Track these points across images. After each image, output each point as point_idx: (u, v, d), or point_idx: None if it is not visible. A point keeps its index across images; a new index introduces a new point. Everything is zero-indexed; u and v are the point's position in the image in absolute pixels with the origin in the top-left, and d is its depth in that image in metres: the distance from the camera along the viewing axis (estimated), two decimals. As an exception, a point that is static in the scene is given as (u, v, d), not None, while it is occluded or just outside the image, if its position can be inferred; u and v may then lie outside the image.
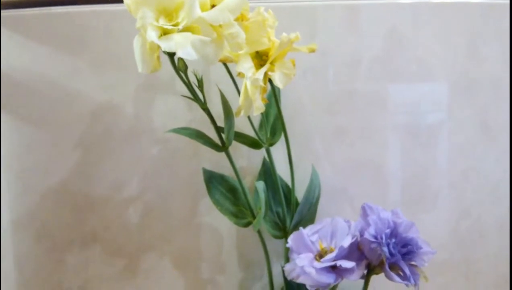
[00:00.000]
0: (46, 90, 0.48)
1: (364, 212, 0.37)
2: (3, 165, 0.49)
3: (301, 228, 0.38)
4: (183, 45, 0.32)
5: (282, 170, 0.46)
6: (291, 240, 0.38)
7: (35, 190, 0.49)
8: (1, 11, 0.48)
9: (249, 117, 0.43)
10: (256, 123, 0.46)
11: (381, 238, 0.34)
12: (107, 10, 0.47)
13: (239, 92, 0.41)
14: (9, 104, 0.48)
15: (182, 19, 0.33)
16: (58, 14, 0.47)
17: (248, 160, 0.48)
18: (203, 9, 0.34)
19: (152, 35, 0.32)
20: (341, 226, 0.37)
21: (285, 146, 0.43)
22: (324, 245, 0.37)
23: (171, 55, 0.35)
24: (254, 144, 0.44)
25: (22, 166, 0.49)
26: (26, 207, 0.49)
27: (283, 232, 0.45)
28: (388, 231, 0.35)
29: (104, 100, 0.47)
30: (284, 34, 0.36)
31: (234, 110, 0.40)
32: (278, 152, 0.45)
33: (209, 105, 0.40)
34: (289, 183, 0.45)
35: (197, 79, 0.40)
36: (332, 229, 0.37)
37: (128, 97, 0.47)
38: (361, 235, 0.36)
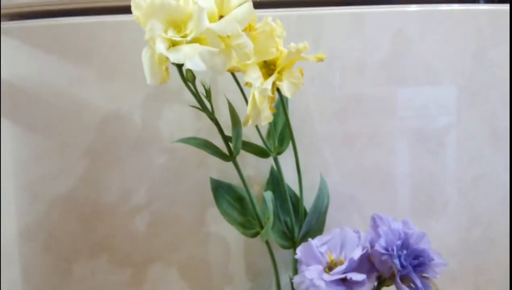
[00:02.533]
0: (54, 100, 0.48)
1: (374, 222, 0.37)
2: (11, 175, 0.49)
3: (310, 239, 0.38)
4: (191, 57, 0.32)
5: (290, 178, 0.46)
6: (299, 251, 0.38)
7: (43, 199, 0.49)
8: (11, 22, 0.49)
9: (256, 126, 0.43)
10: (264, 132, 0.46)
11: (392, 250, 0.34)
12: (114, 21, 0.47)
13: (246, 101, 0.41)
14: (18, 114, 0.49)
15: (191, 30, 0.32)
16: (67, 25, 0.48)
17: (256, 169, 0.48)
18: (211, 20, 0.34)
19: (161, 47, 0.32)
20: (351, 237, 0.37)
21: (293, 154, 0.43)
22: (334, 256, 0.37)
23: (180, 66, 0.35)
24: (261, 153, 0.44)
25: (30, 176, 0.49)
26: (33, 216, 0.49)
27: (291, 242, 0.44)
28: (399, 242, 0.34)
29: (112, 110, 0.47)
30: (292, 44, 0.36)
31: (241, 118, 0.40)
32: (286, 160, 0.44)
33: (216, 114, 0.40)
34: (297, 192, 0.45)
35: (205, 89, 0.40)
36: (341, 240, 0.37)
37: (135, 106, 0.47)
38: (372, 246, 0.35)
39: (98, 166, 0.48)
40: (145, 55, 0.33)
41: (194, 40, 0.33)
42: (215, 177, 0.46)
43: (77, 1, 0.48)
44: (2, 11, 0.49)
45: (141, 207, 0.48)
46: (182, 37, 0.33)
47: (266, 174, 0.48)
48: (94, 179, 0.48)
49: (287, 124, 0.42)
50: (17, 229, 0.49)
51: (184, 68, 0.35)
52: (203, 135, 0.44)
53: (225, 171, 0.47)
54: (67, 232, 0.49)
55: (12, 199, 0.49)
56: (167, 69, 0.34)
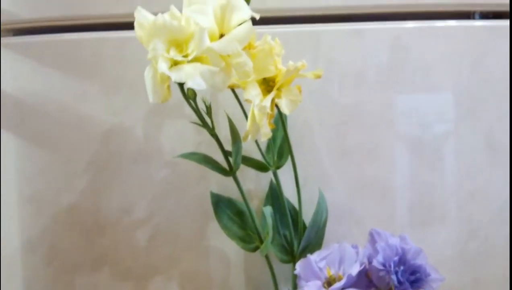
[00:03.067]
0: (57, 114, 0.49)
1: (372, 238, 0.37)
2: (14, 187, 0.50)
3: (309, 255, 0.38)
4: (192, 76, 0.33)
5: (289, 192, 0.46)
6: (299, 267, 0.38)
7: (46, 212, 0.49)
8: (15, 36, 0.49)
9: (256, 140, 0.44)
10: (263, 146, 0.46)
11: (390, 265, 0.34)
12: (117, 37, 0.48)
13: (246, 116, 0.41)
14: (21, 127, 0.49)
15: (192, 50, 0.33)
16: (70, 41, 0.48)
17: (255, 183, 0.49)
18: (211, 38, 0.34)
19: (163, 66, 0.32)
20: (349, 252, 0.38)
21: (291, 168, 0.43)
22: (332, 272, 0.37)
23: (181, 84, 0.36)
24: (261, 167, 0.45)
25: (33, 189, 0.50)
26: (36, 229, 0.50)
27: (290, 256, 0.45)
28: (396, 258, 0.35)
29: (114, 124, 0.48)
30: (291, 63, 0.37)
31: (241, 132, 0.40)
32: (285, 174, 0.45)
33: (217, 128, 0.41)
34: (296, 205, 0.45)
35: (206, 106, 0.41)
36: (340, 256, 0.38)
37: (137, 120, 0.48)
38: (370, 262, 0.36)
39: (100, 179, 0.49)
40: (147, 74, 0.34)
41: (195, 59, 0.34)
42: (216, 190, 0.47)
43: (80, 18, 0.49)
44: (6, 26, 0.49)
45: (142, 221, 0.49)
46: (184, 56, 0.33)
47: (265, 188, 0.48)
48: (96, 193, 0.49)
49: (286, 138, 0.42)
50: (19, 241, 0.50)
51: (185, 87, 0.36)
52: (203, 149, 0.44)
53: (225, 185, 0.47)
54: (69, 245, 0.49)
55: (15, 212, 0.50)
56: (168, 87, 0.35)
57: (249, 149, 0.45)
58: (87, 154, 0.49)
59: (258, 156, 0.45)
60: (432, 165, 0.50)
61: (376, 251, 0.36)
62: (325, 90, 0.48)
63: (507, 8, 0.50)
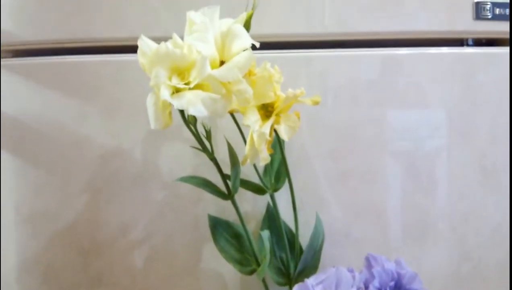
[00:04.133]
0: (56, 135, 0.49)
1: (368, 263, 0.38)
2: (12, 208, 0.50)
3: (306, 279, 0.38)
4: (194, 103, 0.33)
5: (286, 215, 0.46)
6: (296, 291, 0.38)
7: (42, 233, 0.49)
8: (16, 58, 0.50)
9: (254, 164, 0.44)
10: (261, 169, 0.47)
11: (386, 291, 0.35)
12: (117, 60, 0.49)
13: (245, 140, 0.42)
14: (20, 148, 0.50)
15: (194, 78, 0.34)
16: (70, 63, 0.49)
17: (253, 205, 0.49)
18: (212, 65, 0.35)
19: (165, 94, 0.33)
20: (345, 276, 0.38)
21: (289, 191, 0.44)
22: (329, 296, 0.38)
23: (182, 110, 0.36)
24: (258, 190, 0.45)
25: (31, 209, 0.50)
26: (33, 250, 0.50)
27: (287, 279, 0.45)
28: (392, 283, 0.35)
29: (113, 146, 0.49)
30: (290, 90, 0.38)
31: (239, 155, 0.41)
32: (282, 197, 0.46)
33: (215, 151, 0.41)
34: (293, 228, 0.46)
35: (206, 131, 0.42)
36: (336, 280, 0.38)
37: (136, 142, 0.49)
38: (366, 287, 0.36)
39: (98, 200, 0.49)
40: (149, 101, 0.34)
41: (196, 86, 0.34)
42: (213, 212, 0.47)
43: (81, 40, 0.50)
44: (6, 47, 0.50)
45: (139, 242, 0.49)
46: (186, 84, 0.34)
47: (262, 210, 0.49)
48: (93, 214, 0.49)
49: (283, 162, 0.43)
50: (16, 262, 0.50)
51: (186, 113, 0.36)
52: (201, 171, 0.45)
53: (222, 206, 0.48)
54: (66, 265, 0.49)
55: (12, 232, 0.50)
56: (170, 113, 0.35)
57: (247, 171, 0.46)
58: (85, 175, 0.49)
59: (255, 179, 0.45)
60: (425, 187, 0.51)
61: (372, 276, 0.36)
62: (319, 114, 0.49)
63: (500, 36, 0.51)
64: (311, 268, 0.44)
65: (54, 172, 0.49)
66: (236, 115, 0.43)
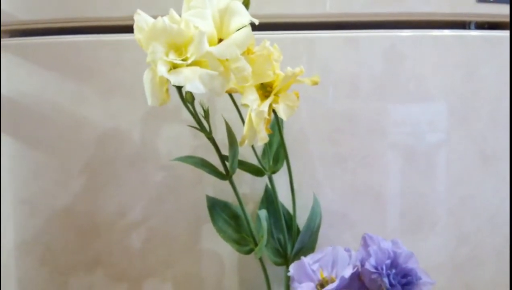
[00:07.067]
0: (54, 116, 0.49)
1: (365, 242, 0.38)
2: (10, 189, 0.50)
3: (302, 257, 0.39)
4: (191, 79, 0.33)
5: (284, 197, 0.47)
6: (292, 269, 0.38)
7: (41, 214, 0.49)
8: (12, 38, 0.50)
9: (252, 145, 0.44)
10: (259, 151, 0.47)
11: (382, 268, 0.35)
12: (115, 40, 0.48)
13: (243, 120, 0.42)
14: (17, 129, 0.49)
15: (191, 54, 0.33)
16: (68, 43, 0.49)
17: (251, 187, 0.49)
18: (210, 43, 0.35)
19: (162, 69, 0.33)
20: (342, 255, 0.38)
21: (287, 173, 0.44)
22: (325, 274, 0.38)
23: (180, 88, 0.36)
24: (257, 172, 0.45)
25: (29, 190, 0.50)
26: (31, 231, 0.50)
27: (284, 259, 0.45)
28: (388, 261, 0.35)
29: (111, 127, 0.48)
30: (289, 68, 0.37)
31: (238, 137, 0.41)
32: (280, 179, 0.46)
33: (214, 132, 0.41)
34: (291, 210, 0.46)
35: (204, 110, 0.41)
36: (333, 258, 0.38)
37: (134, 124, 0.48)
38: (362, 265, 0.37)
39: (96, 182, 0.49)
40: (146, 77, 0.34)
41: (194, 63, 0.34)
42: (211, 194, 0.47)
43: (78, 20, 0.49)
44: (3, 28, 0.49)
45: (137, 223, 0.49)
46: (183, 60, 0.34)
47: (260, 192, 0.49)
48: (92, 195, 0.49)
49: (282, 144, 0.43)
50: (14, 243, 0.50)
51: (183, 90, 0.36)
52: (200, 152, 0.45)
53: (221, 188, 0.48)
54: (64, 246, 0.50)
55: (11, 213, 0.50)
56: (167, 90, 0.35)
57: (245, 153, 0.46)
58: (83, 156, 0.49)
59: (254, 161, 0.45)
60: (423, 172, 0.51)
61: (368, 255, 0.36)
62: (319, 97, 0.49)
63: (502, 19, 0.51)
64: (308, 248, 0.45)
65: (52, 154, 0.49)
66: (235, 96, 0.43)
